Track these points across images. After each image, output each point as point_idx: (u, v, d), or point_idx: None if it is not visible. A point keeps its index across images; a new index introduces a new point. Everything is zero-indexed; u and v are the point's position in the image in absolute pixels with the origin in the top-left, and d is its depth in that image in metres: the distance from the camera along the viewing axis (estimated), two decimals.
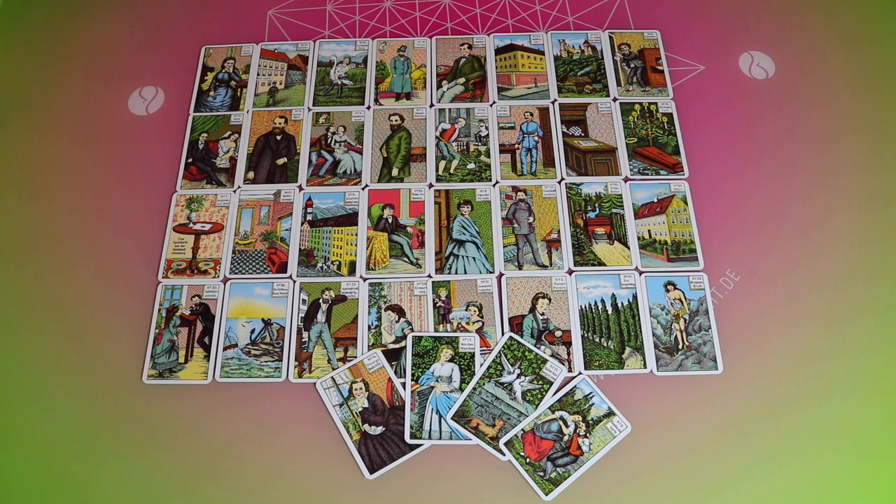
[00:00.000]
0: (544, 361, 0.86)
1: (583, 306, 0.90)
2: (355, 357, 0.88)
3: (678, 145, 1.01)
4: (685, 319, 0.89)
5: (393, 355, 0.87)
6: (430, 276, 0.92)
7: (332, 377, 0.86)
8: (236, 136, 1.04)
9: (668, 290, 0.90)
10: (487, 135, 1.02)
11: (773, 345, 0.87)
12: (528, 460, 0.80)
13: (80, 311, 0.91)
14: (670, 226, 0.95)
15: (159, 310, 0.91)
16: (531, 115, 1.04)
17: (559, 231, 0.95)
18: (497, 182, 0.99)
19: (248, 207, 0.98)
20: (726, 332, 0.88)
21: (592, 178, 0.99)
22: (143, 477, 0.82)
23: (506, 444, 0.81)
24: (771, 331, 0.88)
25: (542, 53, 1.09)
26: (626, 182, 0.98)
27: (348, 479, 0.81)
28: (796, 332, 0.88)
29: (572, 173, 0.99)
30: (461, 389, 0.85)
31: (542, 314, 0.89)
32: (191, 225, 0.97)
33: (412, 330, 0.89)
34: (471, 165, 1.00)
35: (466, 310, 0.90)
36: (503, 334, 0.88)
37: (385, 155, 1.02)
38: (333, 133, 1.03)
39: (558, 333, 0.88)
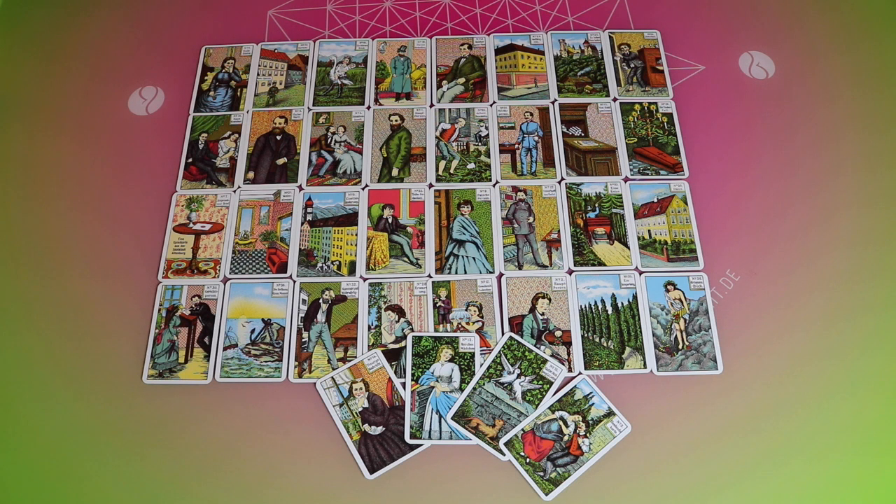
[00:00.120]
0: (544, 361, 0.86)
1: (583, 306, 0.90)
2: (355, 357, 0.88)
3: (678, 145, 1.01)
4: (685, 319, 0.89)
5: (393, 355, 0.87)
6: (430, 276, 0.92)
7: (332, 377, 0.86)
8: (236, 136, 1.04)
9: (668, 290, 0.90)
10: (487, 135, 1.02)
11: (773, 345, 0.87)
12: (528, 460, 0.80)
13: (80, 311, 0.91)
14: (670, 226, 0.95)
15: (159, 310, 0.91)
16: (531, 115, 1.04)
17: (559, 231, 0.95)
18: (497, 182, 0.99)
19: (248, 207, 0.98)
20: (726, 332, 0.88)
21: (592, 178, 0.99)
22: (143, 477, 0.82)
23: (506, 444, 0.81)
24: (771, 331, 0.88)
25: (542, 53, 1.09)
26: (626, 182, 0.98)
27: (348, 479, 0.81)
28: (796, 332, 0.88)
29: (572, 173, 0.99)
30: (461, 389, 0.84)
31: (542, 314, 0.89)
32: (191, 225, 0.97)
33: (412, 330, 0.89)
34: (471, 165, 1.00)
35: (466, 310, 0.90)
36: (503, 334, 0.88)
37: (385, 155, 1.02)
38: (333, 133, 1.03)
39: (558, 333, 0.88)
